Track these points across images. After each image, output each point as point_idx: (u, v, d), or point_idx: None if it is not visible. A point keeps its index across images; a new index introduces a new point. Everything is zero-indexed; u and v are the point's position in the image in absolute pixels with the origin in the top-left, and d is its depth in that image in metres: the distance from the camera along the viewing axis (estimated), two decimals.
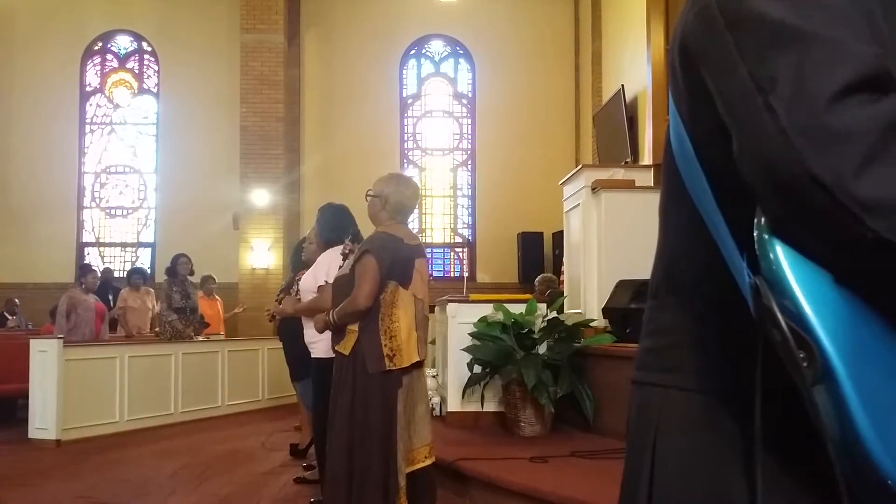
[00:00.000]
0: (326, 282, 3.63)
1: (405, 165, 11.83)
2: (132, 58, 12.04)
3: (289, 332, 4.85)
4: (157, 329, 8.22)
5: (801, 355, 0.58)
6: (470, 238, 11.90)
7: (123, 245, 11.79)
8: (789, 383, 0.61)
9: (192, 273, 7.60)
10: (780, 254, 0.61)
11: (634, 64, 8.27)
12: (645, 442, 0.80)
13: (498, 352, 4.96)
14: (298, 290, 4.23)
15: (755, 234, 0.63)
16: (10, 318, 9.71)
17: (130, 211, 11.85)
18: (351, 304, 3.03)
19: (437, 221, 11.98)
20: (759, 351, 0.64)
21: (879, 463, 0.57)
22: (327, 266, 3.77)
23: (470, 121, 12.04)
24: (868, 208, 0.55)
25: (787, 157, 0.58)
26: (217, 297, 8.94)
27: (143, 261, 11.52)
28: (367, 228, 3.47)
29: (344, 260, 3.45)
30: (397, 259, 3.08)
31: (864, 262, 0.59)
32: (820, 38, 0.60)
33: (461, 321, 5.35)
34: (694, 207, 0.75)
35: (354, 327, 3.05)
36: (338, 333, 3.16)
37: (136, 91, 12.01)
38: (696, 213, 0.74)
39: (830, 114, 0.57)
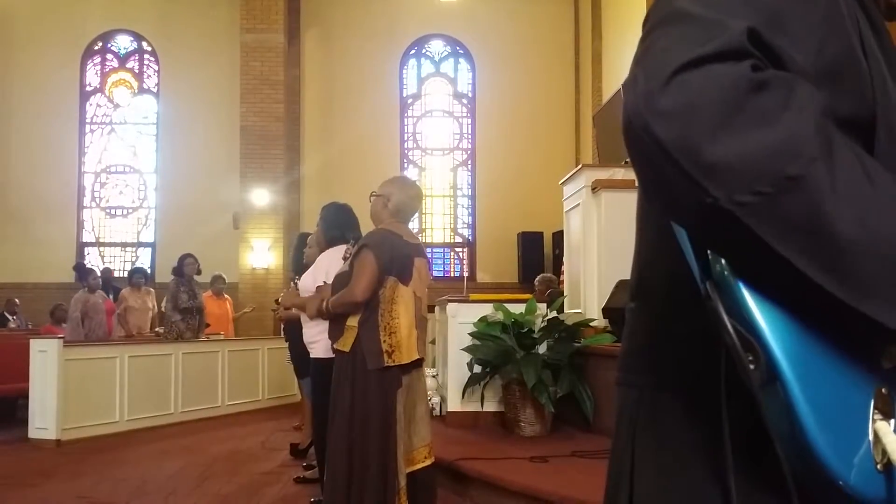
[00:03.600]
0: (325, 282, 3.62)
1: (405, 165, 11.84)
2: (132, 58, 12.04)
3: (293, 329, 4.84)
4: (157, 329, 8.23)
5: (749, 357, 0.58)
6: (470, 238, 11.90)
7: (123, 245, 11.79)
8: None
9: (199, 273, 7.60)
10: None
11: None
12: (625, 442, 0.82)
13: (498, 352, 4.96)
14: (297, 290, 4.23)
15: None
16: (10, 317, 9.71)
17: (130, 211, 11.86)
18: (348, 296, 3.03)
19: (437, 221, 11.98)
20: (721, 355, 0.65)
21: (827, 462, 0.57)
22: (327, 267, 3.76)
23: (470, 121, 12.04)
24: (707, 173, 0.56)
25: (638, 122, 0.59)
26: (227, 296, 8.93)
27: (143, 261, 11.52)
28: (368, 229, 3.48)
29: (344, 261, 3.46)
30: (396, 255, 3.08)
31: (716, 237, 0.60)
32: (696, 16, 0.62)
33: (461, 321, 5.35)
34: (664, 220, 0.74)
35: (354, 323, 3.05)
36: (335, 329, 3.15)
37: (136, 91, 12.01)
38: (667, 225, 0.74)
39: (677, 83, 0.57)
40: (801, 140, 0.56)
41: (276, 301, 4.95)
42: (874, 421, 0.60)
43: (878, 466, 0.59)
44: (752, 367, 0.58)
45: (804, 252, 0.57)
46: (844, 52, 0.69)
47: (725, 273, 0.60)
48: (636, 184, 0.91)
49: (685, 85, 0.58)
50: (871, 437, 0.59)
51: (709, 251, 0.62)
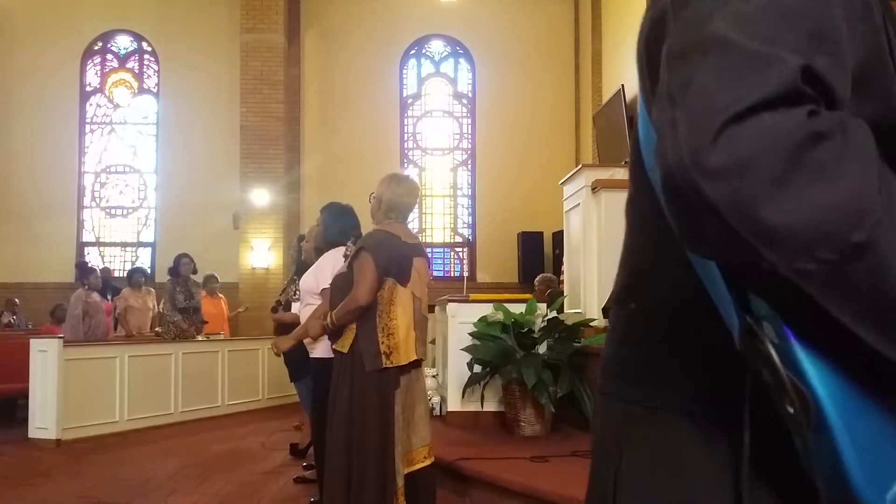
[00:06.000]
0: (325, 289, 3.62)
1: (405, 165, 11.83)
2: (132, 58, 12.03)
3: (286, 332, 4.84)
4: (157, 329, 8.23)
5: (797, 403, 0.56)
6: (470, 238, 11.90)
7: (123, 245, 11.79)
8: (764, 413, 0.60)
9: (195, 272, 7.61)
10: None
11: (634, 64, 8.26)
12: (610, 457, 0.77)
13: (498, 351, 4.95)
14: (297, 290, 4.23)
15: None
16: (9, 317, 9.71)
17: (130, 211, 11.85)
18: (351, 302, 3.03)
19: (437, 221, 11.98)
20: (747, 383, 0.62)
21: (867, 499, 0.56)
22: (332, 268, 3.74)
23: (470, 121, 12.04)
24: (764, 238, 0.52)
25: (684, 180, 0.53)
26: (221, 295, 8.94)
27: (143, 260, 11.52)
28: (369, 229, 3.48)
29: (345, 260, 3.46)
30: (394, 256, 3.08)
31: (774, 297, 0.56)
32: (740, 48, 0.55)
33: (461, 321, 5.34)
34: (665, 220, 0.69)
35: (352, 324, 3.06)
36: (335, 330, 3.15)
37: (136, 91, 12.01)
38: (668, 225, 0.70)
39: (729, 137, 0.52)
40: (865, 198, 0.52)
41: (278, 301, 4.95)
42: None
43: None
44: (798, 410, 0.56)
45: (866, 318, 0.54)
46: (875, 52, 0.65)
47: (771, 315, 0.57)
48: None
49: (736, 140, 0.52)
50: None
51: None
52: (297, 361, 4.58)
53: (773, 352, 0.57)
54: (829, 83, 0.56)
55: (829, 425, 0.56)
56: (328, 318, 3.13)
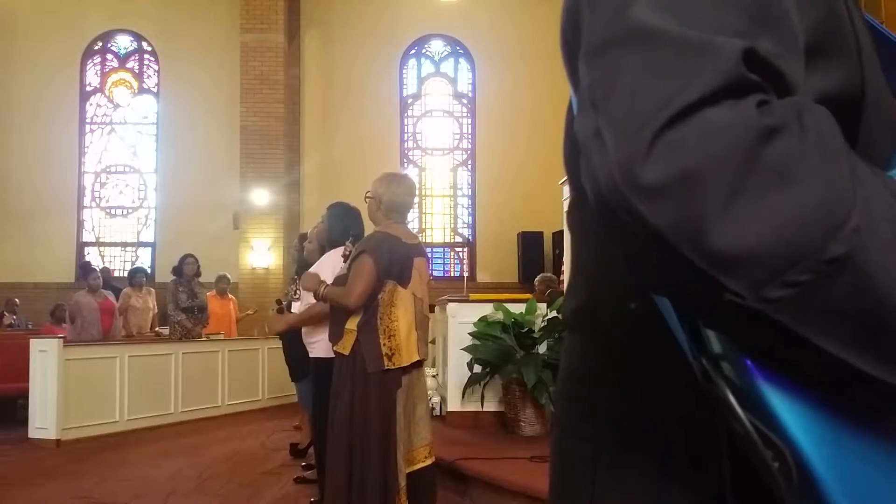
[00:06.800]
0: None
1: (405, 165, 11.83)
2: (132, 57, 12.03)
3: (288, 332, 4.84)
4: (157, 329, 8.24)
5: (770, 454, 0.45)
6: (470, 238, 11.90)
7: (123, 245, 11.79)
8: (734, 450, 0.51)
9: (198, 274, 7.61)
10: None
11: None
12: (579, 501, 0.67)
13: (498, 351, 4.96)
14: (297, 290, 4.22)
15: None
16: (9, 317, 9.70)
17: (130, 211, 11.85)
18: (343, 298, 3.03)
19: (437, 221, 11.98)
20: (719, 422, 0.52)
21: None
22: (332, 267, 3.75)
23: (470, 120, 12.04)
24: (722, 265, 0.42)
25: (622, 203, 0.44)
26: (231, 296, 8.94)
27: (144, 260, 11.51)
28: (371, 229, 3.48)
29: (345, 261, 3.45)
30: (395, 258, 3.08)
31: (739, 332, 0.46)
32: (668, 36, 0.46)
33: (461, 321, 5.35)
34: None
35: (353, 326, 3.05)
36: (334, 332, 3.16)
37: (136, 91, 12.01)
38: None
39: (665, 146, 0.43)
40: (838, 202, 0.43)
41: (278, 301, 4.94)
42: None
43: None
44: (775, 464, 0.45)
45: (854, 342, 0.44)
46: (832, 19, 0.56)
47: (730, 353, 0.47)
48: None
49: (675, 147, 0.43)
50: None
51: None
52: (299, 361, 4.58)
53: (731, 398, 0.46)
54: (778, 67, 0.46)
55: (817, 484, 0.45)
56: (323, 287, 3.14)
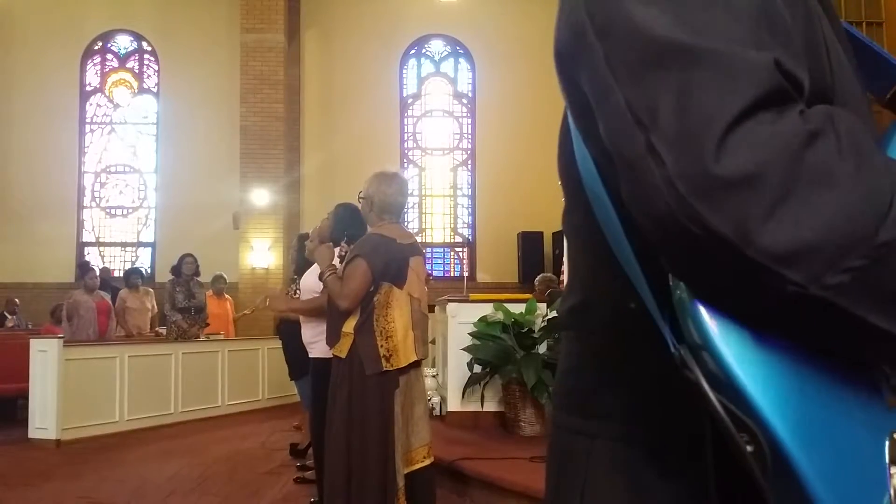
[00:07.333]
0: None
1: (405, 165, 11.83)
2: (132, 57, 12.04)
3: (288, 330, 4.84)
4: (157, 329, 8.23)
5: (744, 437, 0.48)
6: (470, 238, 11.90)
7: (123, 245, 11.79)
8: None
9: (197, 273, 7.59)
10: (706, 319, 0.50)
11: None
12: (571, 496, 0.70)
13: (498, 351, 4.96)
14: (297, 290, 4.23)
15: (673, 294, 0.53)
16: (9, 317, 9.71)
17: (130, 211, 11.85)
18: (336, 296, 3.03)
19: (437, 221, 11.98)
20: (705, 420, 0.54)
21: None
22: None
23: (470, 120, 12.04)
24: (784, 260, 0.46)
25: (681, 211, 0.48)
26: (228, 296, 8.93)
27: (143, 261, 11.52)
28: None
29: (340, 262, 3.45)
30: (391, 260, 3.06)
31: (797, 321, 0.49)
32: (704, 52, 0.49)
33: (461, 321, 5.35)
34: (604, 240, 0.62)
35: (349, 329, 3.05)
36: (331, 335, 3.16)
37: (136, 91, 12.01)
38: (608, 247, 0.62)
39: (724, 155, 0.47)
40: (879, 191, 0.48)
41: (267, 301, 4.91)
42: (892, 476, 0.53)
43: None
44: (749, 448, 0.48)
45: None
46: (806, 26, 0.60)
47: (701, 335, 0.50)
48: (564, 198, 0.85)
49: (732, 157, 0.46)
50: (891, 493, 0.52)
51: (675, 303, 0.52)
52: (298, 359, 4.58)
53: (704, 384, 0.50)
54: (797, 75, 0.51)
55: (790, 462, 0.48)
56: (329, 273, 3.13)
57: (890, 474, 0.52)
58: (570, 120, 0.69)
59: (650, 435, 0.65)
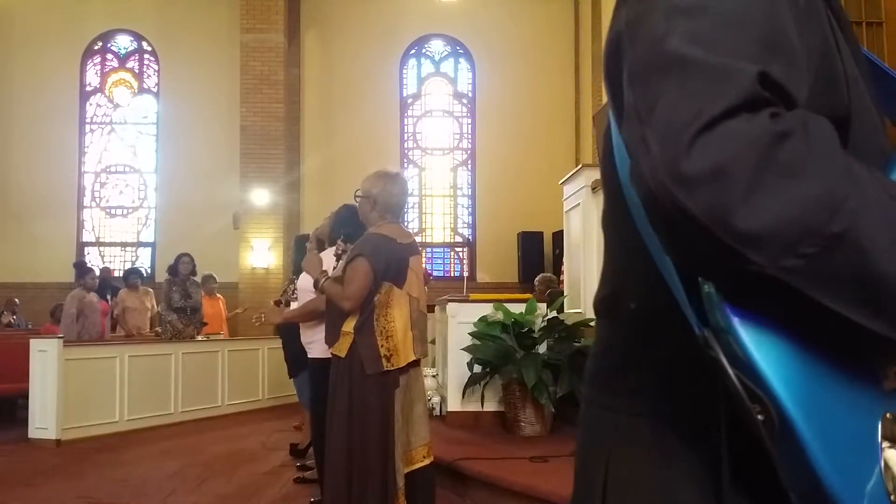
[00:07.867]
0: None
1: (405, 165, 11.83)
2: (132, 57, 12.04)
3: (287, 328, 4.85)
4: (157, 329, 8.23)
5: (756, 408, 0.56)
6: (470, 238, 11.90)
7: (123, 245, 11.79)
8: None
9: (194, 273, 7.59)
10: (730, 311, 0.57)
11: None
12: (597, 468, 0.78)
13: (498, 351, 4.96)
14: (295, 290, 4.23)
15: (702, 288, 0.60)
16: (10, 317, 9.71)
17: (130, 210, 11.86)
18: (338, 299, 3.02)
19: (437, 221, 11.98)
20: (717, 387, 0.61)
21: (842, 498, 0.56)
22: (327, 267, 3.76)
23: (470, 120, 12.04)
24: (747, 242, 0.53)
25: (663, 196, 0.55)
26: (219, 295, 8.93)
27: (143, 260, 11.53)
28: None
29: (337, 260, 3.45)
30: (392, 260, 3.06)
31: (766, 297, 0.56)
32: (702, 63, 0.57)
33: (461, 321, 5.35)
34: (637, 233, 0.70)
35: (349, 329, 3.04)
36: (331, 334, 3.15)
37: (136, 91, 12.01)
38: (641, 239, 0.70)
39: (694, 150, 0.54)
40: (837, 189, 0.54)
41: (276, 303, 4.94)
42: (883, 450, 0.59)
43: (892, 497, 0.58)
44: (760, 417, 0.56)
45: (855, 302, 0.55)
46: (822, 50, 0.67)
47: (725, 322, 0.57)
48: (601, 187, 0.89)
49: (707, 148, 0.54)
50: (881, 466, 0.58)
51: (704, 296, 0.59)
52: (295, 356, 4.58)
53: (724, 360, 0.57)
54: (786, 87, 0.58)
55: (793, 426, 0.55)
56: (324, 277, 3.15)
57: (882, 448, 0.59)
58: (613, 123, 0.76)
59: (670, 410, 0.73)
